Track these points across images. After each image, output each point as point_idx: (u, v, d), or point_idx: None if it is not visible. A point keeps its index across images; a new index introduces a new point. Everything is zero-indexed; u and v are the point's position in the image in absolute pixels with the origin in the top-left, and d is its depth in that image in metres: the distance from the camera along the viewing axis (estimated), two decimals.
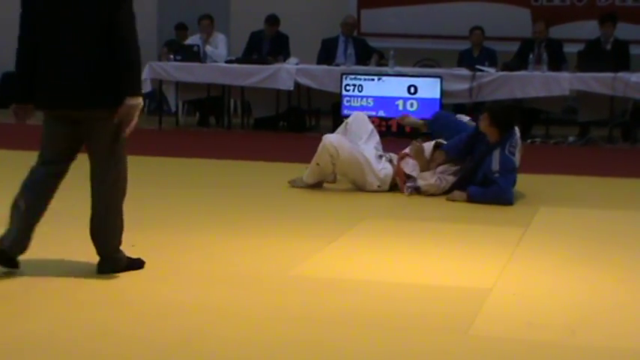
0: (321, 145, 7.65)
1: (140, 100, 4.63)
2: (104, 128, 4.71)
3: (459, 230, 6.42)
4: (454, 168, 7.67)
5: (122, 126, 4.65)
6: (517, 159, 7.55)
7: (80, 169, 4.99)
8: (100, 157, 4.78)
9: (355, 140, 7.80)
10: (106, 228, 4.88)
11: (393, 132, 11.21)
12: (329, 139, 7.67)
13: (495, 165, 7.41)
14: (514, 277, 5.15)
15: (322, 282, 5.00)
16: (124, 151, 4.82)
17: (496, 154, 7.43)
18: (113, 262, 4.93)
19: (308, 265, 5.33)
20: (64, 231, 5.75)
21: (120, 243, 4.96)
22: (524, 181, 8.62)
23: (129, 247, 5.56)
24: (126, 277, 4.94)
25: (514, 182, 7.60)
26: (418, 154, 7.76)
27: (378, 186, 7.71)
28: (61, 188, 4.98)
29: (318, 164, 7.66)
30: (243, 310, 4.44)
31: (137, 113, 4.63)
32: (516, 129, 7.67)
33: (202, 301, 4.57)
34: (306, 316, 4.39)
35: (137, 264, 5.04)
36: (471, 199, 7.42)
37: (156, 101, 13.73)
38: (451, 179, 7.63)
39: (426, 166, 7.74)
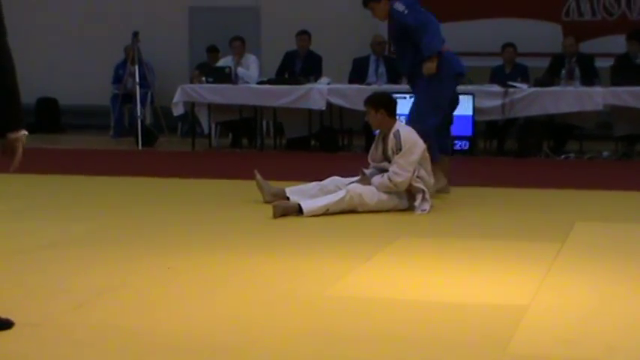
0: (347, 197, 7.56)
1: (23, 132, 4.12)
2: None
3: (495, 247, 6.38)
4: None
5: (9, 161, 4.13)
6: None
7: None
8: None
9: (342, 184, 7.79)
10: None
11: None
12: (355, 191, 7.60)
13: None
14: (551, 293, 5.11)
15: (358, 301, 4.99)
16: None
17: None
18: None
19: (343, 284, 5.32)
20: None
21: None
22: (559, 196, 8.61)
23: (165, 270, 5.59)
24: (166, 293, 4.96)
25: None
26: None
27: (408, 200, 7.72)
28: None
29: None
30: (280, 330, 4.43)
31: (21, 146, 4.13)
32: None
33: (239, 321, 4.56)
34: (342, 336, 4.37)
35: (3, 324, 4.34)
36: None
37: (188, 123, 13.81)
38: None
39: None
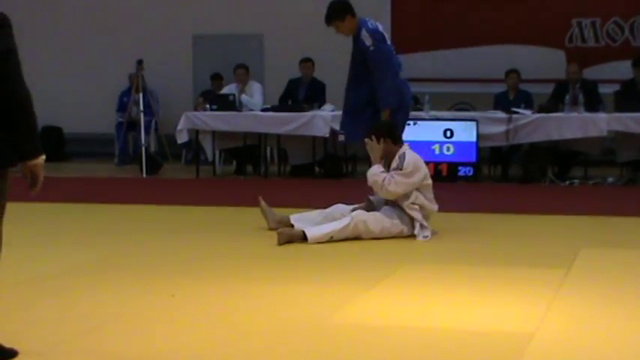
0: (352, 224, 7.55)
1: (43, 157, 4.32)
2: None
3: (499, 273, 6.36)
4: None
5: (31, 185, 4.31)
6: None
7: None
8: None
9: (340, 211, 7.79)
10: None
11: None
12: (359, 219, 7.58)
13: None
14: (557, 320, 5.09)
15: (362, 329, 4.97)
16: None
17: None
18: None
19: (348, 311, 5.31)
20: None
21: None
22: (564, 222, 8.59)
23: (169, 297, 5.58)
24: (171, 321, 4.94)
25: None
26: (375, 149, 7.75)
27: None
28: None
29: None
30: (283, 358, 4.41)
31: (42, 170, 4.32)
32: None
33: (242, 348, 4.55)
34: None
35: (7, 354, 4.35)
36: None
37: (193, 151, 13.82)
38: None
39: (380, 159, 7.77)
